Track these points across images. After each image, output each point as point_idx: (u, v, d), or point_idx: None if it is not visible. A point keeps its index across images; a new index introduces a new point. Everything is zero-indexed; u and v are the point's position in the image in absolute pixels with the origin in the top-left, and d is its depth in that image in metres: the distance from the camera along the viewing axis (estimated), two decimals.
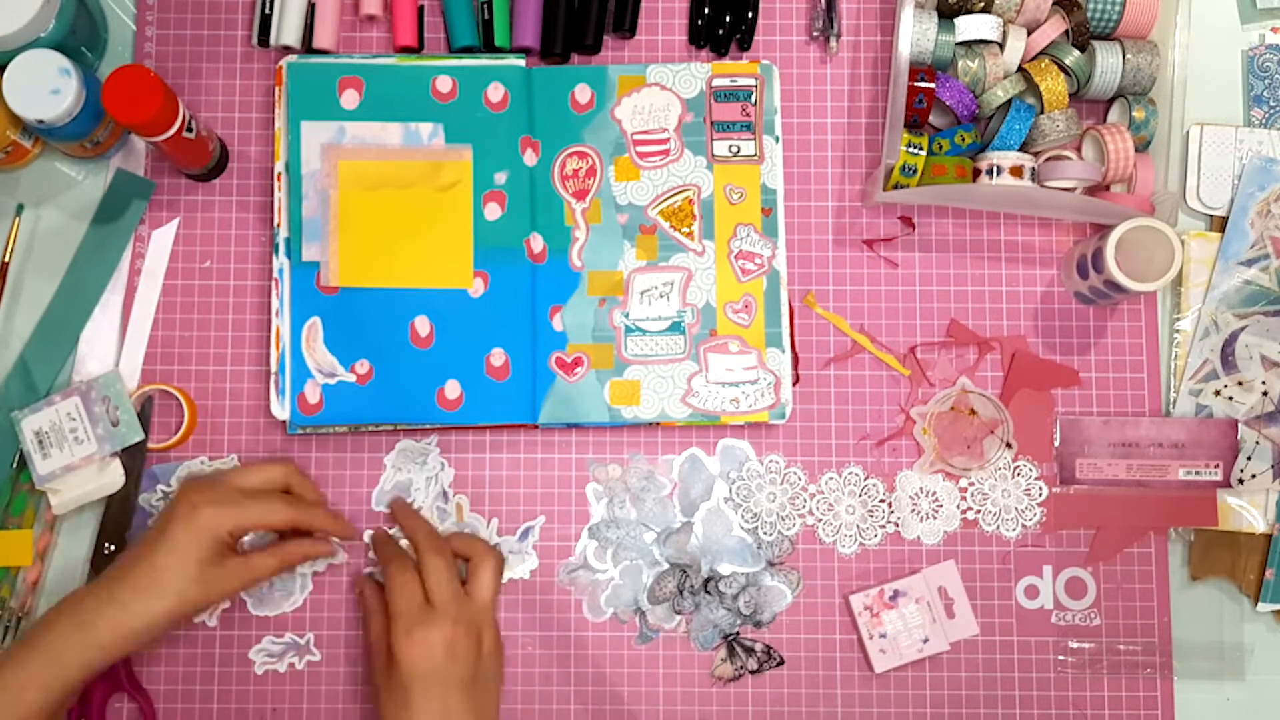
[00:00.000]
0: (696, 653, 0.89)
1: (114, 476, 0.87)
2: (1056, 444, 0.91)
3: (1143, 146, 0.91)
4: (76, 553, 0.89)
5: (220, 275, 0.92)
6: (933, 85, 0.89)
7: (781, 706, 0.89)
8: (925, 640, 0.88)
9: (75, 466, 0.87)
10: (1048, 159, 0.91)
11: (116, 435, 0.87)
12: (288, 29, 0.92)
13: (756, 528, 0.89)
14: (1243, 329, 0.91)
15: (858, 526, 0.90)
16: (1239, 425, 0.90)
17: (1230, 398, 0.90)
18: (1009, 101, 0.90)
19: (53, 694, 0.76)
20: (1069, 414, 0.91)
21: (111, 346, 0.90)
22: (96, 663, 0.77)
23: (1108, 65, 0.90)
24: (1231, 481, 0.90)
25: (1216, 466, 0.89)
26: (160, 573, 0.78)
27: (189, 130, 0.85)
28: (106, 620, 0.77)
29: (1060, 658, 0.89)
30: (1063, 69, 0.90)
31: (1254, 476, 0.90)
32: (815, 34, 0.94)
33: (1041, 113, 0.89)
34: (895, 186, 0.89)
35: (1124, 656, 0.89)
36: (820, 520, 0.90)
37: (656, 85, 0.92)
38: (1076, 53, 0.90)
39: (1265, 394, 0.90)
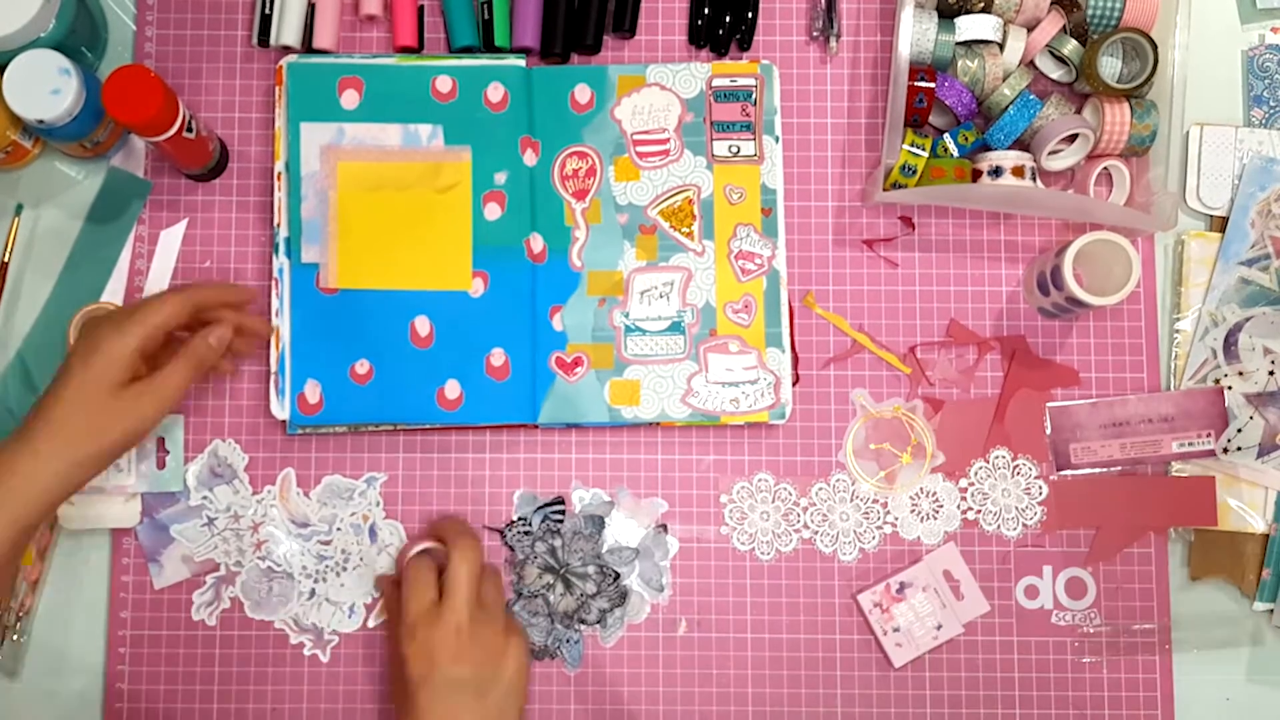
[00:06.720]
0: (697, 654, 0.89)
1: (130, 513, 0.87)
2: (1048, 432, 0.90)
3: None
4: (77, 552, 0.90)
5: (220, 275, 0.92)
6: (933, 85, 0.89)
7: (808, 708, 0.89)
8: (939, 627, 0.88)
9: (104, 491, 0.86)
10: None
11: (156, 478, 0.87)
12: (288, 29, 0.92)
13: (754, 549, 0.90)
14: (1247, 319, 0.91)
15: (854, 532, 0.90)
16: (1232, 394, 0.90)
17: (1230, 387, 0.90)
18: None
19: None
20: (1055, 401, 0.91)
21: None
22: (24, 518, 0.73)
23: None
24: (1218, 451, 0.90)
25: (1209, 436, 0.89)
26: (71, 412, 0.74)
27: (189, 130, 0.85)
28: (24, 470, 0.73)
29: (1072, 641, 0.89)
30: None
31: (1239, 450, 0.90)
32: (815, 34, 0.94)
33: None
34: (895, 186, 0.89)
35: (1139, 639, 0.88)
36: (817, 532, 0.90)
37: (656, 85, 0.92)
38: (1074, 42, 0.90)
39: (1272, 374, 0.89)
